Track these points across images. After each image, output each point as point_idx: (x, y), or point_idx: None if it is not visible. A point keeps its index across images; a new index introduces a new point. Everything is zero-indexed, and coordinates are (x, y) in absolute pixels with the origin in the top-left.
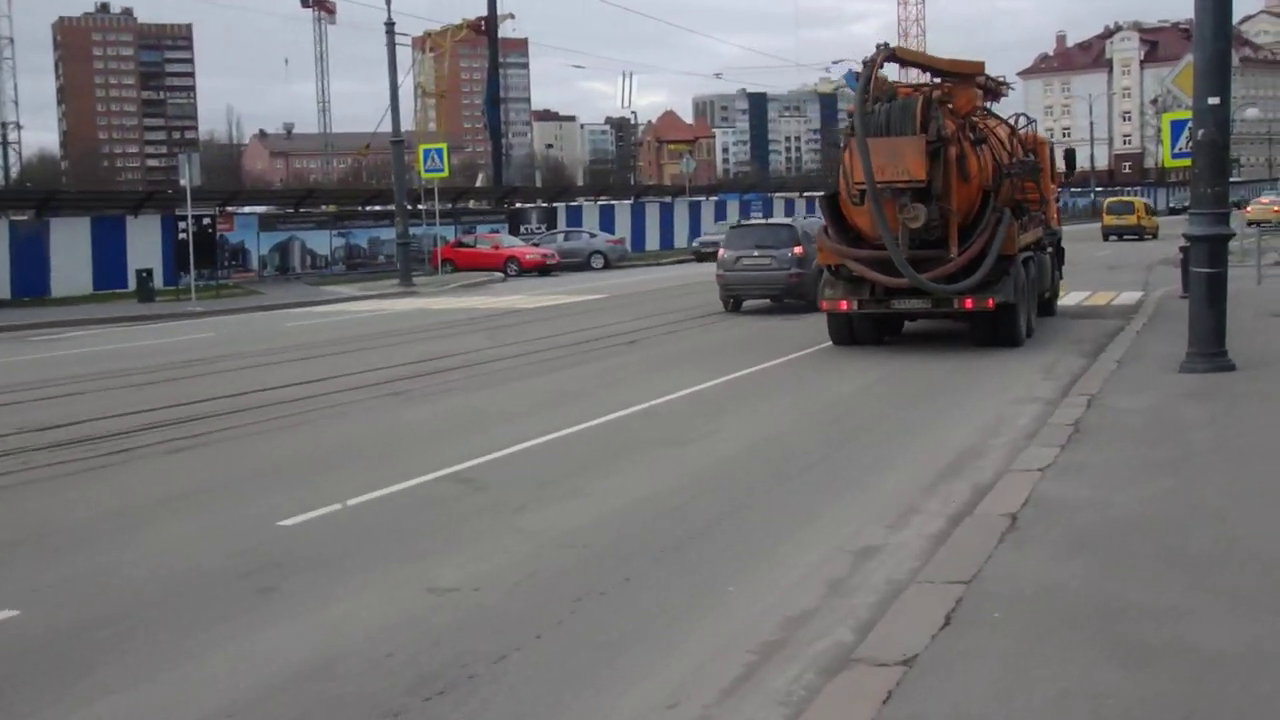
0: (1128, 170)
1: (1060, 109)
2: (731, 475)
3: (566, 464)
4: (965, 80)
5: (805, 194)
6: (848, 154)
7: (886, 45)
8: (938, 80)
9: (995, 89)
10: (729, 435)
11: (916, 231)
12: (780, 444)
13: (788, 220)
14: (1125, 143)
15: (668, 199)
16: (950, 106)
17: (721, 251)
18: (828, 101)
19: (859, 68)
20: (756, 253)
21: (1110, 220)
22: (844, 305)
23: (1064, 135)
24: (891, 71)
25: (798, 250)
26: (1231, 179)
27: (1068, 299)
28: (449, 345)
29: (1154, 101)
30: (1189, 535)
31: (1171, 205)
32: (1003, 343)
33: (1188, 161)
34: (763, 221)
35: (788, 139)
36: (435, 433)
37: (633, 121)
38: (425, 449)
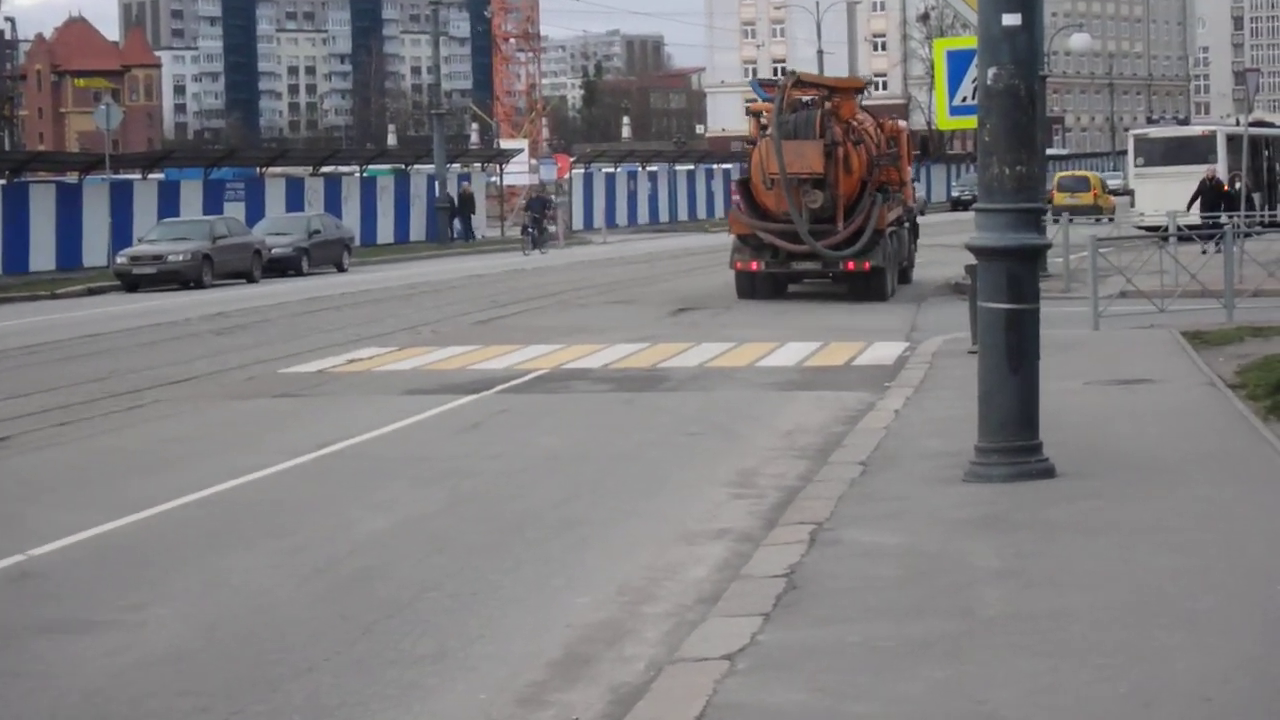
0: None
1: (770, 30)
2: (167, 688)
3: None
4: (847, 93)
5: (326, 168)
6: (758, 150)
7: (794, 72)
8: (827, 93)
9: (863, 89)
10: (168, 615)
11: (814, 211)
12: (262, 626)
13: None
14: (879, 87)
15: (72, 177)
16: (838, 115)
17: None
18: (366, 5)
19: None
20: None
21: (1062, 199)
22: (755, 266)
23: (777, 73)
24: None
25: None
26: (1050, 151)
27: (777, 358)
28: None
29: (924, 19)
30: None
31: (955, 194)
32: (874, 297)
33: (972, 121)
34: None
35: (294, 70)
36: None
37: (7, 37)
38: None
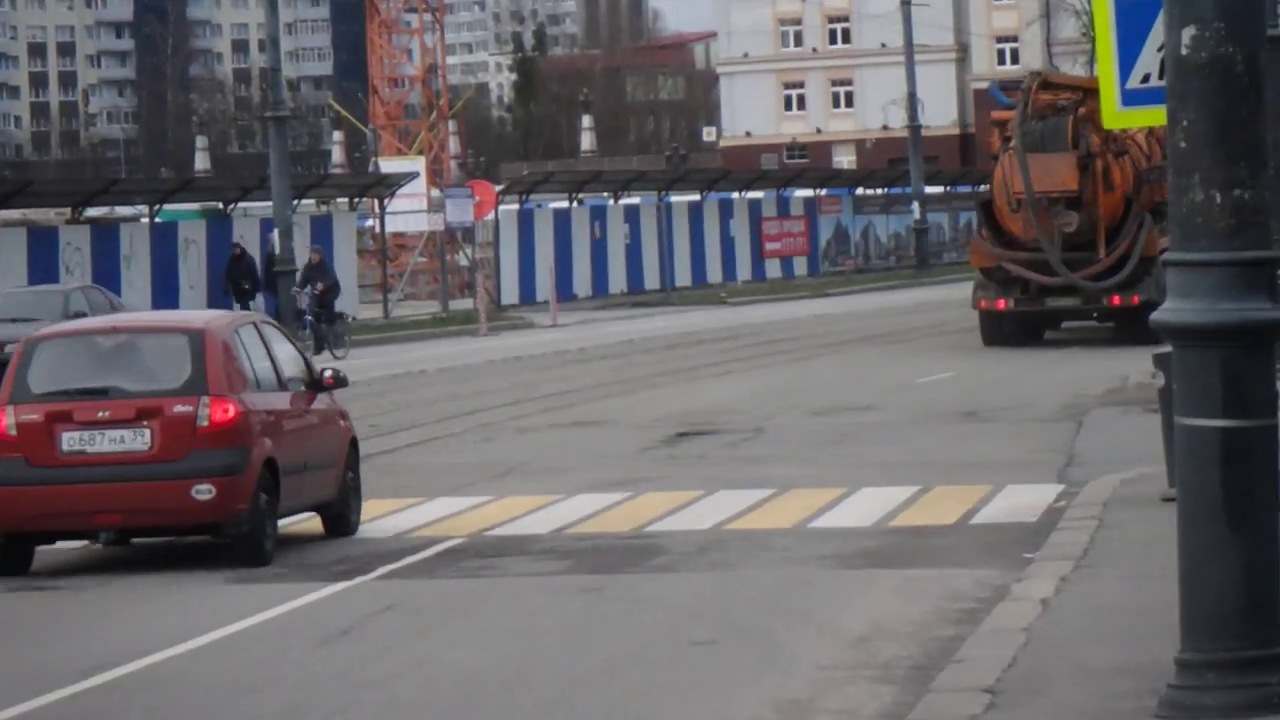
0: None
1: None
2: None
3: None
4: None
5: (95, 209)
6: (1001, 166)
7: (1039, 74)
8: (1081, 95)
9: None
10: None
11: (1068, 236)
12: None
13: None
14: (1004, 59)
15: None
16: (1095, 121)
17: None
18: None
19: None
20: None
21: None
22: (1002, 304)
23: (835, 39)
24: None
25: None
26: None
27: (843, 513)
28: None
29: None
30: None
31: None
32: (1148, 339)
33: (1156, 115)
34: None
35: (39, 50)
36: None
37: None
38: None
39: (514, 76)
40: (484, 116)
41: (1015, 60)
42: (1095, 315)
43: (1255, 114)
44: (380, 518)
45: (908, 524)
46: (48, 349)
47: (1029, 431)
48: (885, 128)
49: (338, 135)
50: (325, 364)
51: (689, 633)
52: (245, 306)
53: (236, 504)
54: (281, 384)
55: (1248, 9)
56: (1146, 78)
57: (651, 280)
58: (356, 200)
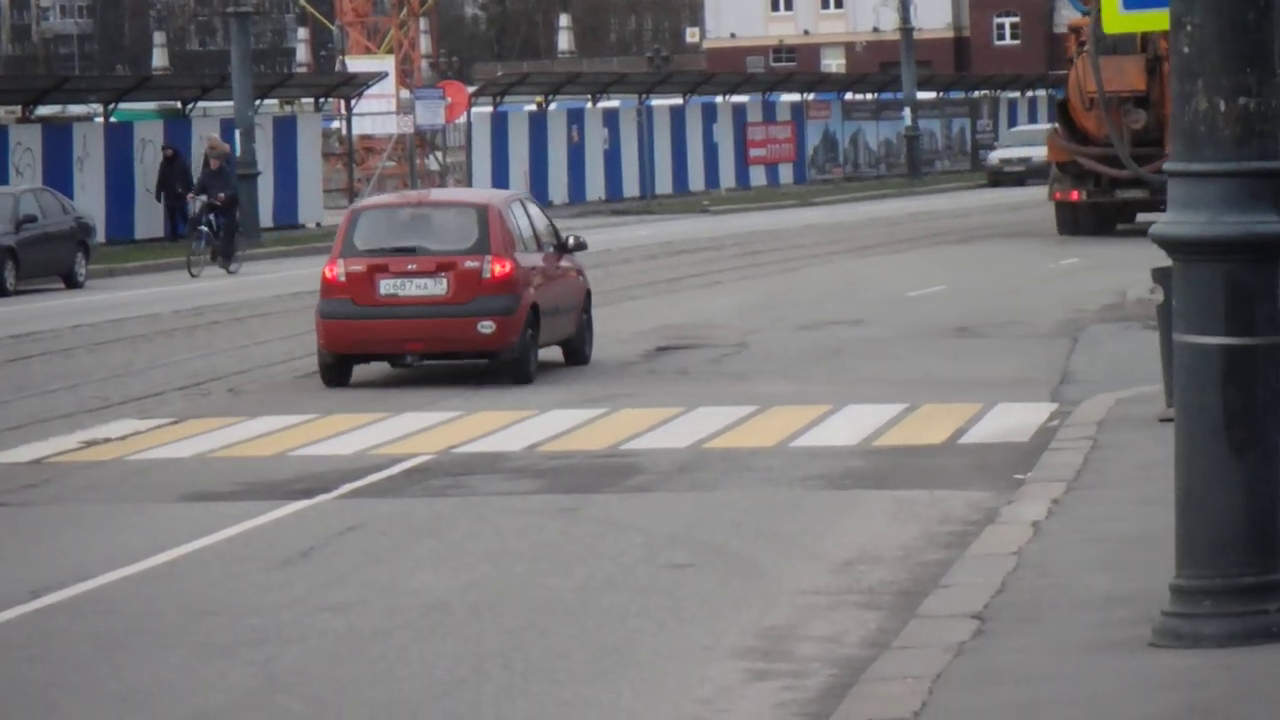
0: (1008, 42)
1: None
2: None
3: None
4: None
5: (46, 108)
6: (1076, 68)
7: None
8: None
9: None
10: None
11: (1137, 133)
12: None
13: None
14: None
15: None
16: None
17: None
18: None
19: None
20: None
21: None
22: (1075, 196)
23: None
24: None
25: None
26: None
27: (828, 430)
28: None
29: None
30: None
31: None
32: None
33: (1159, 19)
34: None
35: None
36: None
37: None
38: None
39: None
40: (457, 14)
41: None
42: (1162, 207)
43: (1264, 17)
44: (342, 433)
45: (895, 443)
46: (369, 216)
47: (1022, 348)
48: (876, 30)
49: (303, 32)
50: (215, 278)
51: (667, 556)
52: (179, 211)
53: (510, 337)
54: (540, 246)
55: None
56: None
57: (631, 187)
58: (322, 101)
